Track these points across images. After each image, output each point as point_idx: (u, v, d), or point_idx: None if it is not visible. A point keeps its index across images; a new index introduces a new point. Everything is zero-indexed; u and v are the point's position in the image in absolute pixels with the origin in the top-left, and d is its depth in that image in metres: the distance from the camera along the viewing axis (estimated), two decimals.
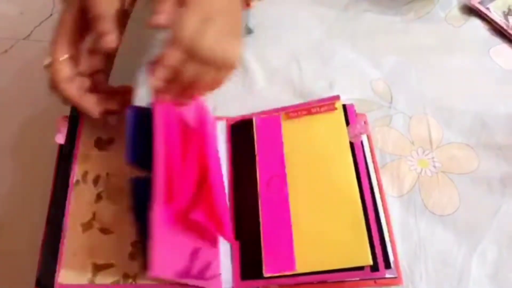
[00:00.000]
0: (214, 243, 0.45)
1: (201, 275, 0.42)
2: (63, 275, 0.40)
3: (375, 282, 0.44)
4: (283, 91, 0.58)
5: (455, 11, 0.66)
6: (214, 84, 0.42)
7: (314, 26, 0.64)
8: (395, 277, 0.45)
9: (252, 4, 0.54)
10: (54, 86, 0.42)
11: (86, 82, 0.44)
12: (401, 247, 0.47)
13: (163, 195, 0.38)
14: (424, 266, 0.46)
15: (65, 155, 0.47)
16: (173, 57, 0.38)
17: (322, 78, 0.59)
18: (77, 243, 0.42)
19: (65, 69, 0.42)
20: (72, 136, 0.48)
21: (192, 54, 0.38)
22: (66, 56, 0.42)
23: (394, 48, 0.62)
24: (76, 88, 0.43)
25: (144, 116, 0.42)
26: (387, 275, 0.44)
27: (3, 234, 0.51)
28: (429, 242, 0.48)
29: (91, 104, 0.43)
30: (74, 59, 0.43)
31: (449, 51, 0.62)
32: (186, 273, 0.41)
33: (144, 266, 0.38)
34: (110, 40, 0.40)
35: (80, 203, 0.44)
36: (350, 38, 0.63)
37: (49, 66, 0.42)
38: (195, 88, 0.41)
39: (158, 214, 0.37)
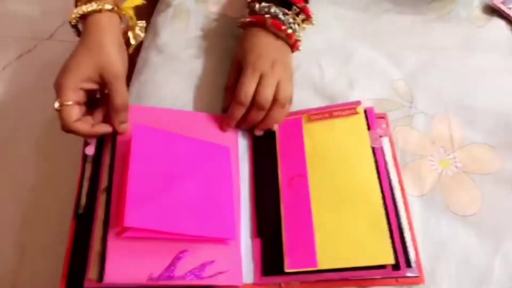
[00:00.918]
0: (215, 242, 0.46)
1: (195, 275, 0.43)
2: (93, 273, 0.41)
3: (396, 280, 0.44)
4: (304, 91, 0.58)
5: (477, 11, 0.66)
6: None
7: (334, 26, 0.65)
8: (417, 276, 0.45)
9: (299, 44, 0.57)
10: (66, 128, 0.46)
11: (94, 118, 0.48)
12: (422, 247, 0.47)
13: (113, 218, 0.43)
14: (446, 266, 0.46)
15: (93, 164, 0.49)
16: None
17: (343, 78, 0.59)
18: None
19: (74, 113, 0.45)
20: (99, 147, 0.49)
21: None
22: (71, 102, 0.45)
23: (415, 48, 0.62)
24: (87, 125, 0.47)
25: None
26: (409, 274, 0.44)
27: (29, 229, 0.52)
28: (450, 242, 0.48)
29: (105, 130, 0.48)
30: (79, 103, 0.46)
31: (471, 51, 0.62)
32: (164, 276, 0.42)
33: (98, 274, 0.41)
34: (125, 127, 0.48)
35: None
36: (371, 38, 0.63)
37: (58, 110, 0.45)
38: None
39: (111, 232, 0.42)
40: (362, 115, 0.52)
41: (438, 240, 0.48)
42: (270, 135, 0.54)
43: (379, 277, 0.44)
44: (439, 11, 0.66)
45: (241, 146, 0.54)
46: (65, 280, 0.43)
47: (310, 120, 0.53)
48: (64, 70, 0.46)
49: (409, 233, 0.47)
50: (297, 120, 0.54)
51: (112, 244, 0.42)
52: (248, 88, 0.51)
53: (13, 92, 0.63)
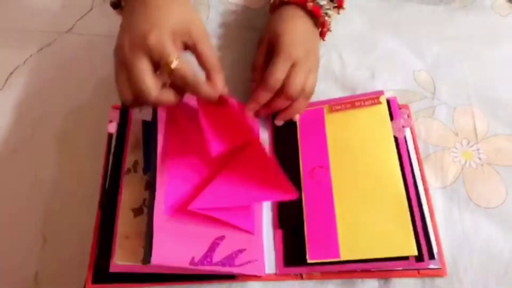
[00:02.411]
0: (245, 231, 0.46)
1: (228, 262, 0.43)
2: (118, 256, 0.42)
3: (418, 272, 0.44)
4: (324, 82, 0.57)
5: (502, 0, 0.65)
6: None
7: (354, 16, 0.64)
8: (439, 268, 0.45)
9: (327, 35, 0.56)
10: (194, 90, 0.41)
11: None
12: (445, 239, 0.47)
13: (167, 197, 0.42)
14: (469, 258, 0.46)
15: (116, 145, 0.49)
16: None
17: (364, 69, 0.59)
18: (129, 227, 0.44)
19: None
20: (122, 126, 0.50)
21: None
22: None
23: (437, 37, 0.61)
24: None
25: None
26: (431, 266, 0.44)
27: (50, 219, 0.53)
28: (473, 234, 0.47)
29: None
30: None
31: (495, 41, 0.60)
32: (204, 261, 0.42)
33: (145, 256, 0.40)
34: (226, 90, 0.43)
35: (131, 190, 0.46)
36: (392, 28, 0.62)
37: (175, 69, 0.39)
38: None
39: (157, 214, 0.41)
40: (385, 105, 0.52)
41: (461, 233, 0.47)
42: (291, 125, 0.53)
43: (401, 268, 0.44)
44: (463, 0, 0.65)
45: (261, 136, 0.54)
46: (93, 266, 0.44)
47: (331, 110, 0.53)
48: (152, 24, 0.38)
49: (431, 224, 0.47)
50: (318, 111, 0.54)
51: (158, 225, 0.41)
52: (279, 75, 0.48)
53: (34, 85, 0.63)
